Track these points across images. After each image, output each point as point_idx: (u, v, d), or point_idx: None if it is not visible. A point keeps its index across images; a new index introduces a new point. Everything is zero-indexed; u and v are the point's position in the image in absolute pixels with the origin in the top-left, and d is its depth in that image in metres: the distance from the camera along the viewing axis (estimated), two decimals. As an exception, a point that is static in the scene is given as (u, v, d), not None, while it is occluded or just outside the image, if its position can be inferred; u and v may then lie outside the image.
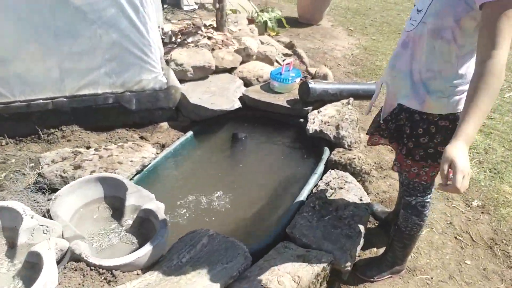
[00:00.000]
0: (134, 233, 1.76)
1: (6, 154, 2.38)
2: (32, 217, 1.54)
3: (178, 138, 2.62)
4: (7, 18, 2.26)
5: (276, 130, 2.81)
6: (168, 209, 2.00)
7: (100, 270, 1.45)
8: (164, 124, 2.76)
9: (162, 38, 3.25)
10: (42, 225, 1.54)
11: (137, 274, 1.52)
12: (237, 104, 2.75)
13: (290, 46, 4.24)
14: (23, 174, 2.11)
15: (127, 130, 2.69)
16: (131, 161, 2.17)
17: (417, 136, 1.47)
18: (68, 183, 1.95)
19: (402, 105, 1.49)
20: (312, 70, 3.61)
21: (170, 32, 3.27)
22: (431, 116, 1.41)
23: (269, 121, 2.88)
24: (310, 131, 2.52)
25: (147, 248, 1.52)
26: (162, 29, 3.43)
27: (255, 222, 2.04)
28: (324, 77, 3.33)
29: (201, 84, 2.89)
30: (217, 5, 3.32)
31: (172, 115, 2.81)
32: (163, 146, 2.57)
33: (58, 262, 1.51)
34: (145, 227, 1.76)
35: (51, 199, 1.76)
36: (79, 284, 1.41)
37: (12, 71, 2.40)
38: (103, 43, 2.49)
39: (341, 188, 2.08)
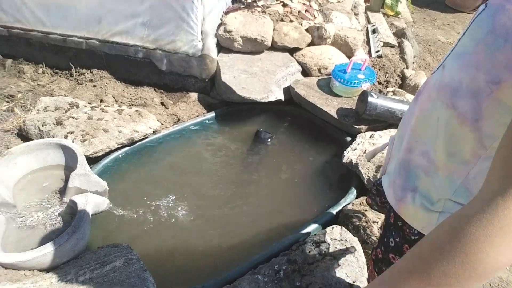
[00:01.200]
0: (65, 220, 1.55)
1: (39, 84, 2.38)
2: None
3: (197, 116, 2.28)
4: None
5: (315, 140, 2.22)
6: (126, 203, 1.74)
7: (-19, 258, 1.28)
8: (194, 95, 2.43)
9: (234, -6, 2.81)
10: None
11: (25, 276, 1.32)
12: (274, 96, 2.22)
13: (400, 34, 3.34)
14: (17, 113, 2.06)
15: (155, 90, 2.45)
16: (119, 131, 1.92)
17: (387, 247, 0.87)
18: (43, 137, 1.83)
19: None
20: (409, 73, 2.77)
21: (244, -12, 2.79)
22: (407, 229, 0.78)
23: (312, 126, 2.29)
24: (344, 159, 1.91)
25: (35, 253, 1.29)
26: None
27: (203, 259, 1.60)
28: (414, 88, 2.50)
29: (246, 60, 2.41)
30: (308, -35, 2.67)
31: (205, 88, 2.45)
32: (178, 120, 2.27)
33: (-37, 228, 1.40)
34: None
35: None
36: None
37: (55, 1, 2.30)
38: (148, -12, 2.20)
39: (334, 258, 1.50)
